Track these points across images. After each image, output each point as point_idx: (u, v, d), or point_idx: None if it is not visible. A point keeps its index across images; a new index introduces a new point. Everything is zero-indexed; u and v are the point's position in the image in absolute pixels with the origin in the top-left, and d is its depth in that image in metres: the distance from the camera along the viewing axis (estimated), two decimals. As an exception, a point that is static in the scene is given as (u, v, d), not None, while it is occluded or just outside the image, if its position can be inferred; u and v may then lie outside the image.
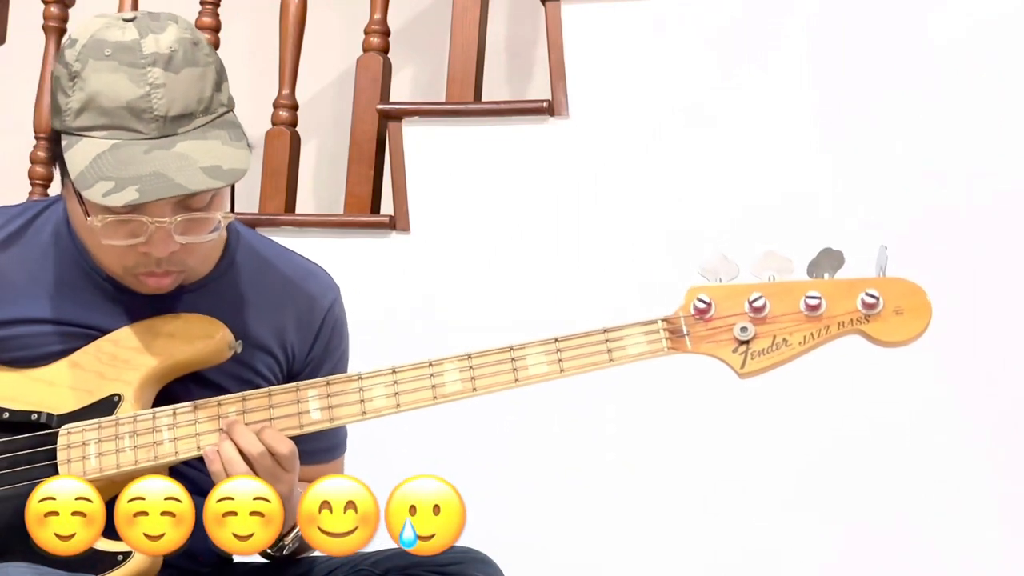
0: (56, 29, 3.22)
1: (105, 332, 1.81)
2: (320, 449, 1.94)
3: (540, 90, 3.33)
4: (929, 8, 2.82)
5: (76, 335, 1.81)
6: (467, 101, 3.07)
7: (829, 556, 2.75)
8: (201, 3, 3.21)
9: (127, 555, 1.71)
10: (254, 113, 3.33)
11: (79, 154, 1.68)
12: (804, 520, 2.76)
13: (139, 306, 1.81)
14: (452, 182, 3.00)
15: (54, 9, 3.22)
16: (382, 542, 1.88)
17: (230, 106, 1.76)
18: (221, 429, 1.74)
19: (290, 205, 3.21)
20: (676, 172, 2.87)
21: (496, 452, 2.88)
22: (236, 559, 1.96)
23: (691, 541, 2.80)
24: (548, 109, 2.94)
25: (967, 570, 2.70)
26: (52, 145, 1.74)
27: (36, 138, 3.22)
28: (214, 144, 1.69)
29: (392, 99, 3.18)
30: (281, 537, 1.79)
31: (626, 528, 2.82)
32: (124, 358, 1.79)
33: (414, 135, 3.02)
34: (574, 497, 2.85)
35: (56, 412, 1.78)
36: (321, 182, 3.72)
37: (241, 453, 1.72)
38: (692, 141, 2.88)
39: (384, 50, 3.19)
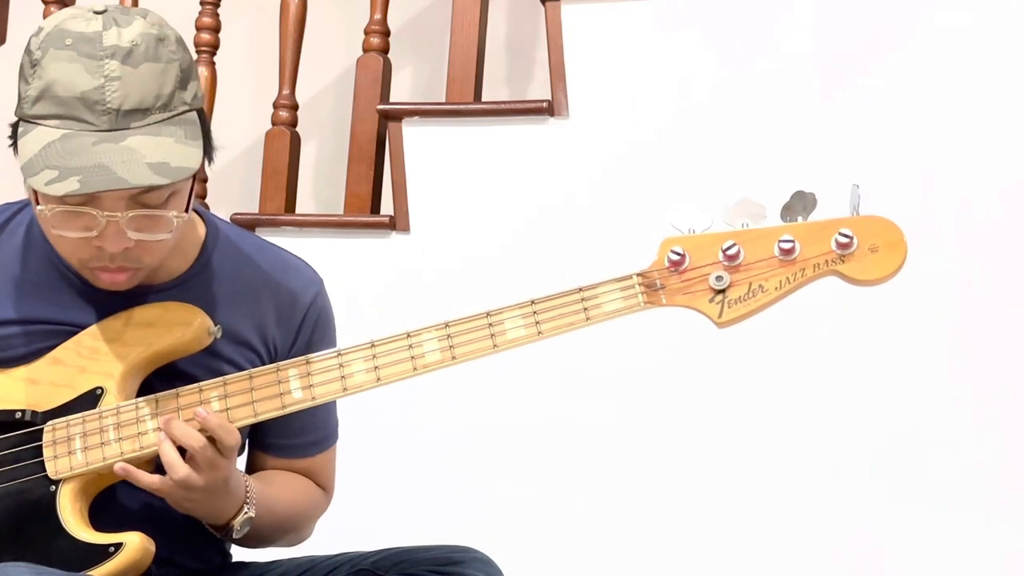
0: (56, 29, 3.22)
1: (84, 328, 1.81)
2: (309, 443, 1.94)
3: (540, 90, 3.33)
4: (931, 3, 2.82)
5: (56, 333, 1.81)
6: (467, 101, 3.07)
7: (829, 549, 2.76)
8: (201, 3, 3.21)
9: (118, 547, 1.71)
10: (254, 113, 3.35)
11: (31, 142, 1.67)
12: (802, 512, 2.76)
13: (116, 304, 1.81)
14: (452, 182, 3.00)
15: (54, 9, 3.22)
16: (382, 541, 1.89)
17: (194, 105, 1.73)
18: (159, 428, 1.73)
19: (290, 205, 3.21)
20: (676, 172, 2.87)
21: (496, 453, 2.88)
22: (236, 559, 1.96)
23: (691, 541, 2.80)
24: (548, 109, 2.94)
25: (966, 566, 2.70)
26: (13, 134, 1.74)
27: (36, 138, 3.21)
28: (166, 141, 1.68)
29: (392, 99, 3.18)
30: (228, 521, 1.78)
31: (626, 527, 2.82)
32: (104, 351, 1.79)
33: (414, 135, 3.02)
34: (574, 497, 2.84)
35: (40, 409, 1.78)
36: (321, 182, 3.72)
37: (182, 447, 1.71)
38: (692, 141, 2.87)
39: (384, 50, 3.19)
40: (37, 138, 1.67)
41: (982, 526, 2.70)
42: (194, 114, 1.73)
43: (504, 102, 3.12)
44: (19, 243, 1.85)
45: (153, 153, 1.66)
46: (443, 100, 3.13)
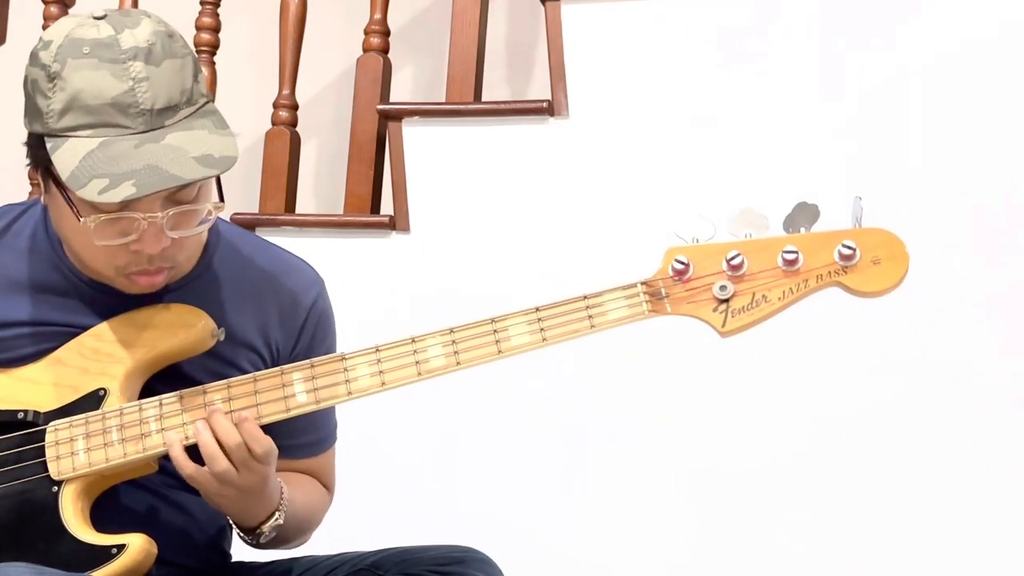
0: (56, 29, 3.22)
1: (87, 330, 1.81)
2: (309, 443, 1.94)
3: (540, 90, 3.33)
4: (932, 7, 2.82)
5: (58, 335, 1.81)
6: (467, 101, 3.07)
7: (821, 547, 2.76)
8: (201, 3, 3.21)
9: (121, 548, 1.71)
10: (254, 113, 3.35)
11: (67, 154, 1.66)
12: (796, 514, 2.76)
13: (120, 306, 1.80)
14: (452, 182, 3.00)
15: (54, 9, 3.22)
16: (382, 541, 1.89)
17: (209, 96, 1.75)
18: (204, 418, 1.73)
19: (290, 205, 3.21)
20: (676, 172, 2.87)
21: (496, 453, 2.88)
22: (235, 558, 1.96)
23: (691, 541, 2.80)
24: (548, 109, 2.94)
25: (961, 564, 2.70)
26: (33, 150, 1.73)
27: (36, 138, 3.21)
28: (201, 134, 1.68)
29: (392, 99, 3.18)
30: (259, 525, 1.79)
31: (626, 527, 2.82)
32: (107, 352, 1.79)
33: (414, 135, 3.02)
34: (574, 497, 2.85)
35: (42, 410, 1.78)
36: (321, 182, 3.72)
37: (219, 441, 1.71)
38: (692, 141, 2.88)
39: (384, 50, 3.19)
40: (72, 150, 1.66)
41: (975, 528, 2.70)
42: (212, 104, 1.74)
43: (504, 102, 3.12)
44: (24, 246, 1.84)
45: (194, 147, 1.66)
46: (443, 100, 3.13)
